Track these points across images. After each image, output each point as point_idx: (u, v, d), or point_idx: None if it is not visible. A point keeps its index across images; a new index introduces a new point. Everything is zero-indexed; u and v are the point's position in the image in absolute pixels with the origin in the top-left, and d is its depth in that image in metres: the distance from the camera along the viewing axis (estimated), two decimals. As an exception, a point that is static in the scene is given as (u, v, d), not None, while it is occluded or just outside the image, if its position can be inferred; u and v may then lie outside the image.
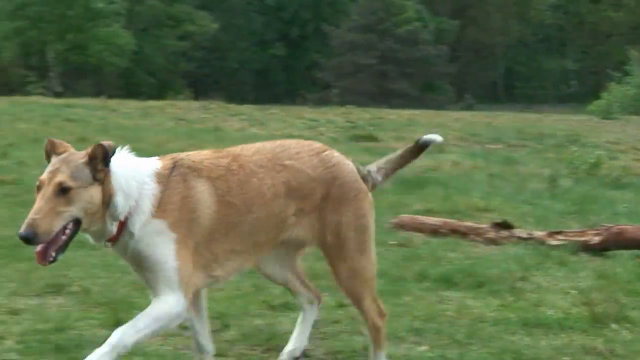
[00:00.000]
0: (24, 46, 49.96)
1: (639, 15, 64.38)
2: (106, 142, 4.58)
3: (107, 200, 4.54)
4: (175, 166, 4.76)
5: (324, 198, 5.04)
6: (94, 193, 4.48)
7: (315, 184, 5.01)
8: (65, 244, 4.46)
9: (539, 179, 15.19)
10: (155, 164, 4.78)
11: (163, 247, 4.65)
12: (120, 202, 4.58)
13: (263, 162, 4.96)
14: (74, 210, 4.42)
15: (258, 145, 5.12)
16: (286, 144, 5.13)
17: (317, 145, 5.21)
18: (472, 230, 9.72)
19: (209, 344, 5.24)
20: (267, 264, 5.42)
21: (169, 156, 4.89)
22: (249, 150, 5.04)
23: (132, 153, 4.80)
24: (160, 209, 4.67)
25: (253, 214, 4.87)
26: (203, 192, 4.75)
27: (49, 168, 4.48)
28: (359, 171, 5.20)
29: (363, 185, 5.14)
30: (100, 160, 4.49)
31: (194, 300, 5.01)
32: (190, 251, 4.69)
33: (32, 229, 4.29)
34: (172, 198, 4.69)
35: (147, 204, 4.66)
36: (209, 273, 4.83)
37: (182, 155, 4.90)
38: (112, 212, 4.57)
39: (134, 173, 4.68)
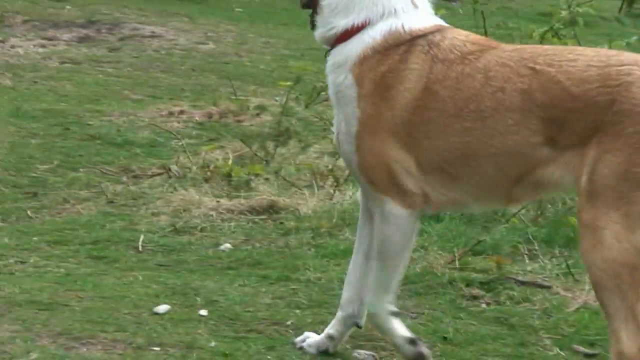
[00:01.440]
0: None
1: None
2: None
3: None
4: (419, 36, 3.76)
5: (593, 128, 3.52)
6: None
7: (581, 106, 3.52)
8: None
9: None
10: (407, 21, 3.78)
11: (350, 109, 3.75)
12: (331, 6, 3.82)
13: (512, 59, 3.65)
14: None
15: (545, 46, 4.02)
16: (570, 49, 3.85)
17: (612, 53, 3.67)
18: None
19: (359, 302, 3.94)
20: None
21: (446, 27, 3.85)
22: (517, 46, 3.90)
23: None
24: (361, 66, 3.75)
25: (463, 121, 3.65)
26: (414, 71, 3.70)
27: None
28: None
29: None
30: None
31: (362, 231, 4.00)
32: (384, 144, 3.71)
33: None
34: (378, 67, 3.74)
35: (356, 47, 3.77)
36: (413, 181, 3.72)
37: (453, 31, 3.82)
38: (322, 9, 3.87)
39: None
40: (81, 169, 5.76)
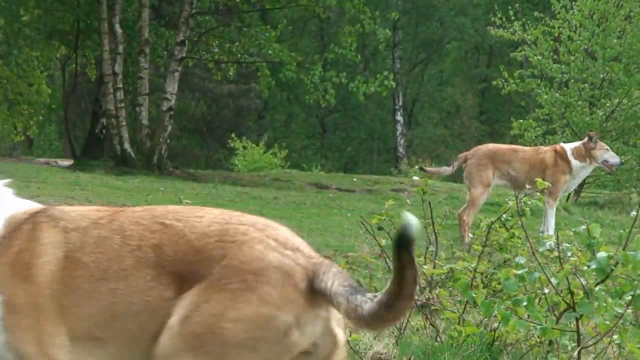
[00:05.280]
0: None
1: None
2: None
3: None
4: (37, 213, 3.88)
5: (204, 279, 3.60)
6: None
7: (199, 259, 3.62)
8: None
9: None
10: (18, 205, 3.97)
11: None
12: None
13: (144, 218, 3.78)
14: None
15: (176, 206, 3.98)
16: (198, 208, 3.91)
17: (236, 214, 3.82)
18: None
19: None
20: None
21: (47, 206, 4.01)
22: (144, 208, 3.97)
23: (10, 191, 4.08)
24: None
25: (109, 282, 3.66)
26: (47, 245, 3.75)
27: None
28: (314, 284, 3.58)
29: (266, 289, 3.53)
30: None
31: None
32: (32, 319, 3.69)
33: None
34: (9, 250, 3.79)
35: None
36: (64, 352, 3.69)
37: (68, 208, 4.00)
38: None
39: None
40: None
